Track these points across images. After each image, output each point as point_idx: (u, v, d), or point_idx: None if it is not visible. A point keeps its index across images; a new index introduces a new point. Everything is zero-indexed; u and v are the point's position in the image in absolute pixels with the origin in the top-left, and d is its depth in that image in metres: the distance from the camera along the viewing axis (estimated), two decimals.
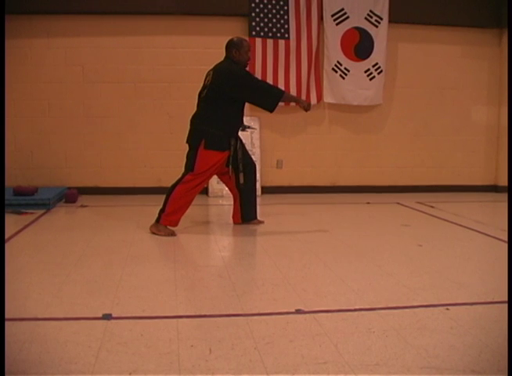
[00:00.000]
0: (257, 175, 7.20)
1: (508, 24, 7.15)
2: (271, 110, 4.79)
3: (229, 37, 4.82)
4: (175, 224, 4.73)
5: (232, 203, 5.20)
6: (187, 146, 4.79)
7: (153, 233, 4.67)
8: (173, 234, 4.66)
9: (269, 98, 4.71)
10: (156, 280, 3.40)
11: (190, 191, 4.69)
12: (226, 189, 7.09)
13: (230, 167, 4.86)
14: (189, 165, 4.68)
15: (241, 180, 4.89)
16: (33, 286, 3.21)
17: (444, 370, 2.15)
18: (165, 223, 4.69)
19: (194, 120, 4.79)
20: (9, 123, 6.91)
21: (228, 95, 4.63)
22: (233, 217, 5.18)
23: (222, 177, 5.06)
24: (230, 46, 4.77)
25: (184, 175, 4.70)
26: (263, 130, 7.39)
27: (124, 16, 6.98)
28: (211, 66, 4.83)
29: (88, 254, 4.00)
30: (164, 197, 4.73)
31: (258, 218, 5.21)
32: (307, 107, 4.83)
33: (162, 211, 4.69)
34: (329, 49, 7.30)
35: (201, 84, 4.84)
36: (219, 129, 4.66)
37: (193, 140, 4.71)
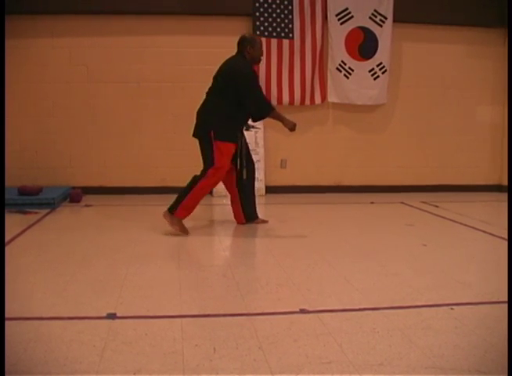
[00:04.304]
0: (261, 175, 7.28)
1: (508, 24, 7.13)
2: (254, 121, 4.97)
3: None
4: (184, 217, 4.69)
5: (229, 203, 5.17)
6: (196, 141, 4.74)
7: (168, 224, 4.62)
8: (186, 232, 4.62)
9: (258, 110, 4.76)
10: (161, 280, 3.40)
11: (210, 187, 4.76)
12: None
13: (238, 161, 4.82)
14: (209, 160, 4.64)
15: (244, 176, 4.88)
16: (37, 285, 3.22)
17: (448, 370, 2.15)
18: (178, 215, 4.62)
19: (201, 112, 4.77)
20: (14, 123, 6.93)
21: (229, 91, 4.64)
22: (236, 218, 5.15)
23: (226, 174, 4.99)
24: (244, 42, 4.77)
25: (206, 169, 4.64)
26: (267, 130, 7.38)
27: (128, 16, 6.99)
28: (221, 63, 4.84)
29: (92, 254, 4.01)
30: (165, 195, 4.70)
31: (261, 217, 5.20)
32: (292, 128, 4.85)
33: (179, 202, 4.62)
34: (333, 49, 7.29)
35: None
36: (226, 121, 4.65)
37: (201, 131, 4.70)
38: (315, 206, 6.55)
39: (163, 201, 4.73)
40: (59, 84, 7.03)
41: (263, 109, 4.76)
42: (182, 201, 4.62)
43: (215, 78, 4.76)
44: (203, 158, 4.73)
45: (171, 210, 4.64)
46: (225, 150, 4.63)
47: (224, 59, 4.81)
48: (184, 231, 4.64)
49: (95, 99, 7.11)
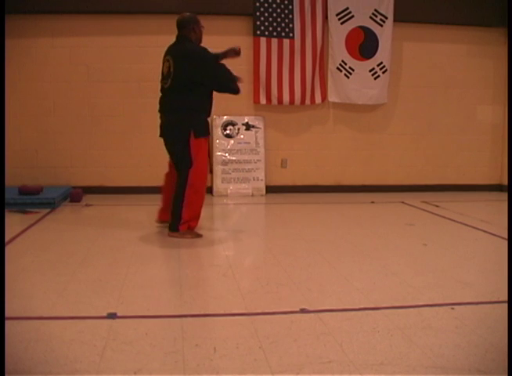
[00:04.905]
0: (262, 175, 7.29)
1: (508, 24, 7.12)
2: (238, 92, 4.61)
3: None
4: (194, 226, 4.61)
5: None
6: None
7: (177, 237, 4.51)
8: (199, 236, 4.56)
9: (231, 82, 4.49)
10: (161, 279, 3.40)
11: (202, 191, 4.56)
12: (231, 188, 7.15)
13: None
14: (185, 161, 4.44)
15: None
16: (38, 285, 3.22)
17: (449, 370, 2.15)
18: (184, 229, 4.52)
19: (171, 111, 4.50)
20: (14, 122, 6.94)
21: (196, 80, 4.39)
22: (162, 214, 4.85)
23: (172, 169, 4.75)
24: (190, 23, 4.51)
25: (185, 175, 4.45)
26: (267, 129, 7.39)
27: (129, 16, 6.99)
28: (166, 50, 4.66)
29: (92, 254, 4.01)
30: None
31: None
32: (238, 51, 4.50)
33: (178, 219, 4.48)
34: (333, 48, 7.29)
35: (160, 71, 4.66)
36: (200, 115, 4.52)
37: (177, 132, 4.46)
38: (315, 206, 6.55)
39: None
40: (59, 84, 7.03)
41: (231, 77, 4.48)
42: (181, 217, 4.48)
43: (172, 72, 4.42)
44: (177, 159, 4.53)
45: (174, 229, 4.52)
46: (202, 146, 4.51)
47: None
48: (197, 236, 4.56)
49: (95, 98, 7.11)
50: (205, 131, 4.56)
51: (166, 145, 4.65)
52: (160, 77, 4.67)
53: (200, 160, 4.50)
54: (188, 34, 4.55)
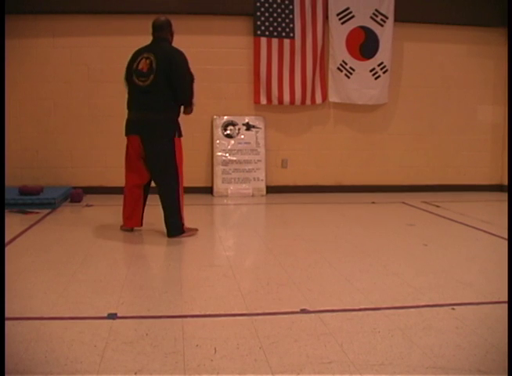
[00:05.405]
0: (262, 175, 7.29)
1: (508, 24, 7.12)
2: (191, 112, 4.62)
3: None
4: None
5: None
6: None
7: (181, 237, 4.54)
8: (196, 230, 4.66)
9: (188, 94, 4.50)
10: (161, 280, 3.40)
11: (182, 187, 4.60)
12: (231, 188, 7.15)
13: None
14: (171, 162, 4.42)
15: None
16: (38, 285, 3.22)
17: (449, 370, 2.15)
18: (184, 228, 4.58)
19: (155, 109, 4.39)
20: (15, 122, 6.94)
21: (172, 82, 4.39)
22: (133, 219, 4.72)
23: (142, 167, 4.59)
24: (168, 26, 4.63)
25: (175, 176, 4.45)
26: (268, 129, 7.38)
27: (129, 16, 6.99)
28: (140, 49, 4.68)
29: (93, 254, 4.01)
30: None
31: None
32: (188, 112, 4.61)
33: (181, 222, 4.53)
34: (334, 48, 7.29)
35: (134, 70, 4.59)
36: (177, 115, 4.54)
37: (165, 132, 4.41)
38: (315, 206, 6.55)
39: None
40: (59, 84, 7.03)
41: (190, 95, 4.53)
42: (181, 217, 4.53)
43: (155, 69, 4.37)
44: (159, 161, 4.44)
45: (179, 232, 4.53)
46: (180, 146, 4.54)
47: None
48: (195, 231, 4.66)
49: (95, 98, 7.11)
50: (180, 132, 4.58)
51: (144, 144, 4.45)
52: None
53: (181, 159, 4.57)
54: (166, 35, 4.64)
